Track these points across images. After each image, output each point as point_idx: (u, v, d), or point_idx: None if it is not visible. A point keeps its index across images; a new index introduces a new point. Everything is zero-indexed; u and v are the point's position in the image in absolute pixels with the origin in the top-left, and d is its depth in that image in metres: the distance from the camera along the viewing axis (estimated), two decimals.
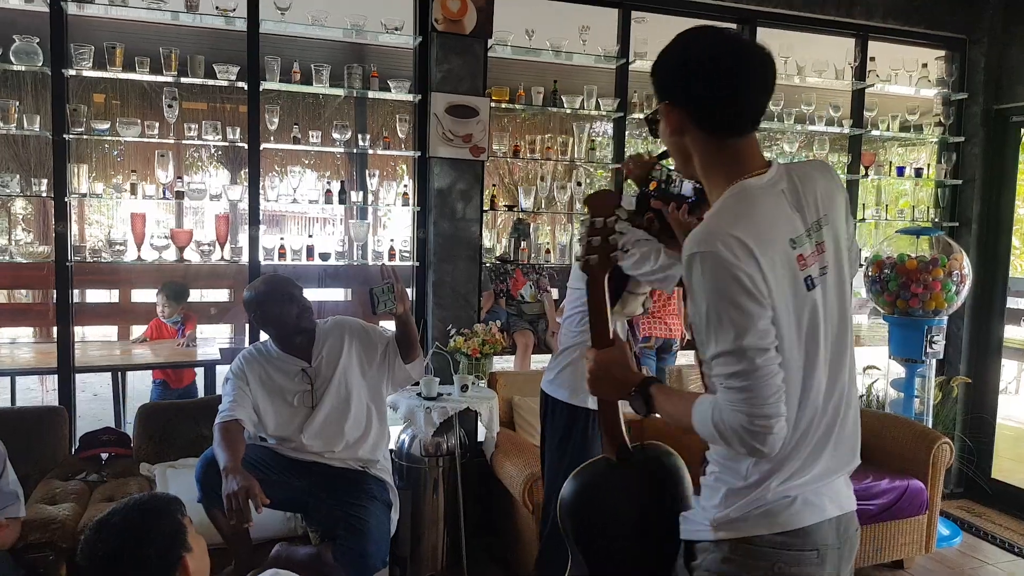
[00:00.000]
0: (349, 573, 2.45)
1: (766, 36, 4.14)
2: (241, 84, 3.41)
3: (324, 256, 3.57)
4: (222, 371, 4.46)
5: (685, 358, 5.26)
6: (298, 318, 2.61)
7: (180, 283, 4.78)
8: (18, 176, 3.34)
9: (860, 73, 4.31)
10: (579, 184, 3.99)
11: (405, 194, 3.70)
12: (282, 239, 3.51)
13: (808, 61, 4.16)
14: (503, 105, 3.86)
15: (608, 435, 1.55)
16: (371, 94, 3.67)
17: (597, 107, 3.89)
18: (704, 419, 1.26)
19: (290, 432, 2.63)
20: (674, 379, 3.69)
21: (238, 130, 3.46)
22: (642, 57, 3.86)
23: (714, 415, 1.25)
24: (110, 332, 5.76)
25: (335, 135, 3.61)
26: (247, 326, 5.63)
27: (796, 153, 4.38)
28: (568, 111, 3.97)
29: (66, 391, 3.23)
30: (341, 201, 3.59)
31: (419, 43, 3.59)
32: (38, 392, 5.83)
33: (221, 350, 4.33)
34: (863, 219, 4.54)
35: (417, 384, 3.12)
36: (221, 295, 6.11)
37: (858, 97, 4.37)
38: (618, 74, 3.90)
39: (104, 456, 3.09)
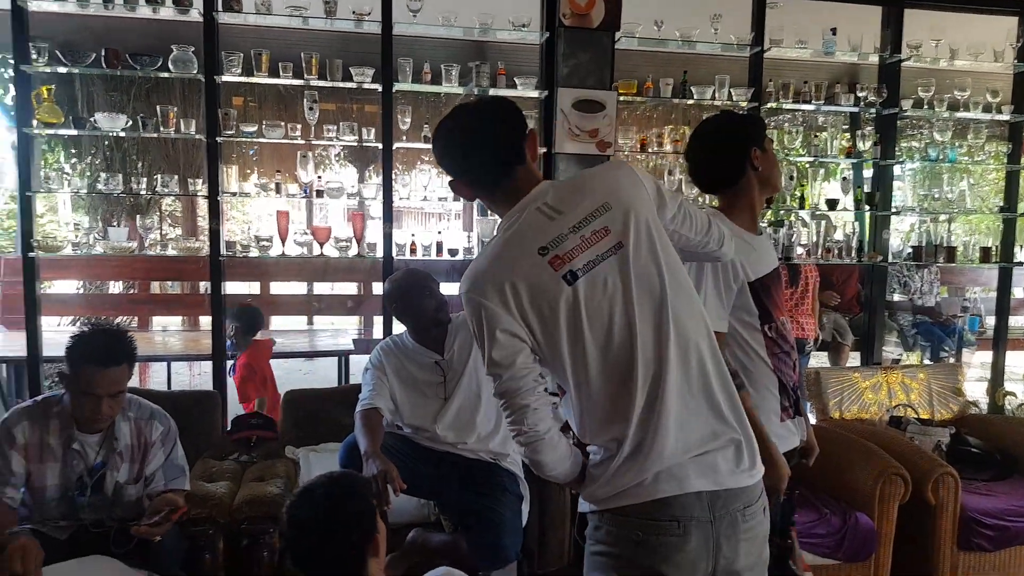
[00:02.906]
0: (483, 563, 2.49)
1: (915, 18, 3.88)
2: (374, 86, 3.53)
3: (452, 252, 3.65)
4: (355, 360, 4.68)
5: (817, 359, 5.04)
6: (435, 311, 2.68)
7: None
8: (176, 177, 3.61)
9: (1023, 54, 3.95)
10: None
11: None
12: (413, 235, 3.62)
13: (962, 43, 3.86)
14: (628, 98, 3.81)
15: None
16: (497, 91, 3.71)
17: (729, 97, 3.77)
18: None
19: (425, 422, 2.70)
20: (811, 382, 3.53)
21: (372, 130, 3.59)
22: (777, 44, 3.70)
23: None
24: None
25: None
26: (375, 318, 5.88)
27: (948, 143, 4.07)
28: (698, 102, 3.87)
29: (219, 376, 3.47)
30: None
31: (546, 39, 3.59)
32: (186, 376, 6.30)
33: (354, 341, 4.53)
34: (1023, 213, 4.17)
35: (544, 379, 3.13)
36: (351, 289, 6.38)
37: (1020, 81, 4.01)
38: (752, 62, 3.76)
39: (253, 438, 3.28)
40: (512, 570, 3.03)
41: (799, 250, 3.91)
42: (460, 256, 3.72)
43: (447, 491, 2.69)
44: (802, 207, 4.03)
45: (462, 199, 3.67)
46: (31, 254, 3.38)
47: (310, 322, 7.35)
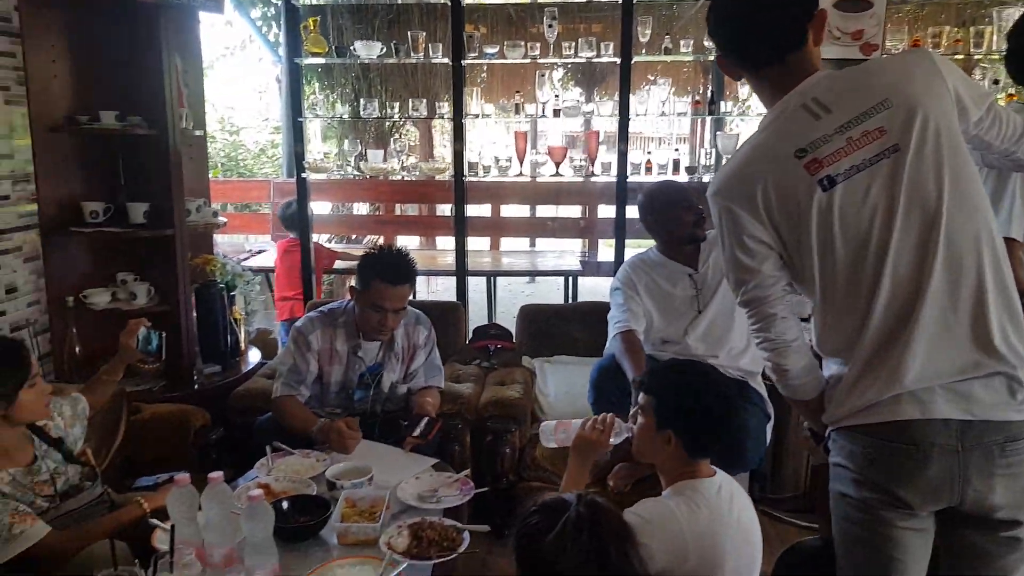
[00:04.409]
0: (723, 465, 2.46)
1: None
2: None
3: (691, 170, 3.53)
4: (581, 281, 4.78)
5: None
6: (694, 225, 2.61)
7: None
8: (424, 101, 3.80)
9: None
10: (996, 83, 3.35)
11: None
12: (649, 153, 3.54)
13: None
14: None
15: None
16: None
17: None
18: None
19: (676, 334, 2.66)
20: None
21: (610, 45, 3.51)
22: None
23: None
24: (481, 243, 6.41)
25: (706, 43, 3.48)
26: (600, 241, 5.91)
27: None
28: None
29: (462, 290, 3.71)
30: (710, 112, 3.49)
31: None
32: (423, 292, 6.82)
33: (581, 263, 4.61)
34: None
35: None
36: (574, 212, 6.44)
37: None
38: None
39: (491, 348, 3.50)
40: (744, 481, 2.99)
41: None
42: (698, 175, 3.58)
43: None
44: None
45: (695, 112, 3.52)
46: (303, 175, 3.77)
47: (532, 244, 7.57)
